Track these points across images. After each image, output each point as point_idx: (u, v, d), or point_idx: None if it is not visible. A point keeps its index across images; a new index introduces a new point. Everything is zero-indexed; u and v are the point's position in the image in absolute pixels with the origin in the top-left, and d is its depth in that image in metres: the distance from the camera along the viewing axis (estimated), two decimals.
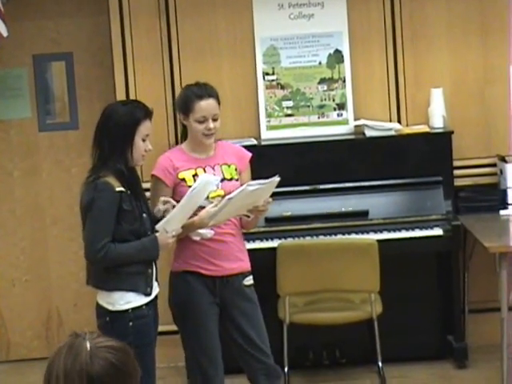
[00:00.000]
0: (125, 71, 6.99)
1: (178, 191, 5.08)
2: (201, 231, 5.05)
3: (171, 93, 6.98)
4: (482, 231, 6.39)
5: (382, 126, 6.88)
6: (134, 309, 4.77)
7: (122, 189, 4.65)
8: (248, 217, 5.18)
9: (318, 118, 7.02)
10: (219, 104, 5.16)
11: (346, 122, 7.01)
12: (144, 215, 4.81)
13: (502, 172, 6.84)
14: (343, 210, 6.70)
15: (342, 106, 7.03)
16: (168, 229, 4.78)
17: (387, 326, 6.42)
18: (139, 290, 4.78)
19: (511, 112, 7.02)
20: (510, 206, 6.71)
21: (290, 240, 6.58)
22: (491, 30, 7.09)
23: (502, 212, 6.68)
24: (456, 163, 6.80)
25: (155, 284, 4.84)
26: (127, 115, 4.74)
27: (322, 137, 6.99)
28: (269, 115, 7.04)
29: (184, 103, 5.11)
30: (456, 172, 6.85)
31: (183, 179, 5.13)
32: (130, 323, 4.73)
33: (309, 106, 7.04)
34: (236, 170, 5.23)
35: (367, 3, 6.97)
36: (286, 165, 6.80)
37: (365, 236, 6.55)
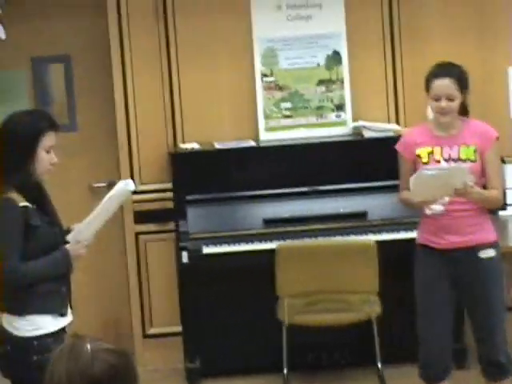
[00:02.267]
0: (123, 73, 6.96)
1: (415, 167, 5.26)
2: (433, 206, 5.24)
3: (169, 94, 6.95)
4: None
5: (380, 128, 6.88)
6: (40, 337, 4.53)
7: (26, 204, 4.51)
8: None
9: (317, 119, 6.99)
10: (460, 85, 5.18)
11: (344, 124, 7.01)
12: (55, 229, 4.68)
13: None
14: (342, 211, 6.68)
15: (340, 108, 7.02)
16: (80, 239, 4.66)
17: (386, 328, 6.42)
18: (52, 311, 4.61)
19: (510, 113, 7.07)
20: (509, 207, 6.73)
21: (288, 241, 6.52)
22: (489, 31, 7.09)
23: (501, 213, 6.67)
24: None
25: (69, 309, 4.68)
26: (29, 126, 4.61)
27: (320, 138, 6.97)
28: (267, 117, 7.00)
29: (425, 81, 5.23)
30: None
31: (419, 155, 5.27)
32: (34, 357, 4.50)
33: (307, 108, 7.02)
34: (475, 151, 5.23)
35: (365, 5, 6.96)
36: (284, 166, 6.80)
37: (363, 237, 6.52)
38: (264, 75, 6.95)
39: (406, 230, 6.57)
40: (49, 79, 7.40)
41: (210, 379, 6.87)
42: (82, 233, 4.57)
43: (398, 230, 6.60)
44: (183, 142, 7.05)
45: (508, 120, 7.08)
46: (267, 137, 7.02)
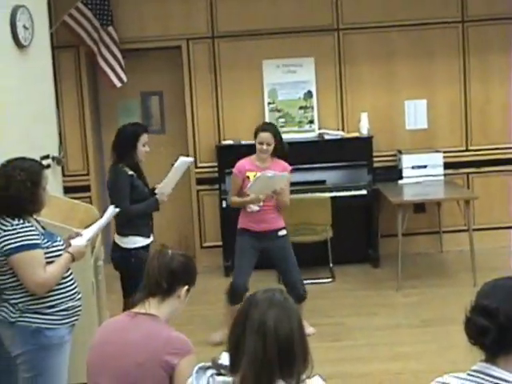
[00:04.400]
0: (191, 101, 9.17)
1: (243, 184, 6.29)
2: (251, 206, 6.29)
3: (216, 114, 9.09)
4: (388, 192, 8.40)
5: (333, 133, 9.01)
6: (136, 249, 5.57)
7: (132, 173, 5.60)
8: (272, 197, 6.28)
9: (298, 128, 9.14)
10: (273, 136, 6.26)
11: (314, 131, 9.13)
12: (145, 188, 5.74)
13: (399, 159, 9.03)
14: (313, 179, 8.57)
15: (311, 122, 9.13)
16: (163, 191, 5.73)
17: (335, 245, 8.35)
18: (143, 235, 5.67)
19: (405, 116, 9.09)
20: (403, 179, 8.88)
21: None
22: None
23: (399, 182, 8.90)
24: (374, 153, 8.93)
25: (151, 234, 5.71)
26: (132, 130, 5.72)
27: (300, 139, 8.93)
28: None
29: (255, 131, 6.34)
30: (375, 159, 8.94)
31: (248, 177, 6.30)
32: (132, 259, 5.55)
33: (293, 122, 9.13)
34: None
35: (326, 65, 9.12)
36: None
37: (325, 194, 8.34)
38: (269, 103, 9.10)
39: (347, 190, 8.53)
40: (150, 104, 9.43)
41: None
42: (164, 188, 5.73)
43: (342, 190, 8.52)
44: (224, 140, 9.13)
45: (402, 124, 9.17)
46: None
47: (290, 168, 6.36)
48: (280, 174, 6.09)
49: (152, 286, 3.18)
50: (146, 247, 5.66)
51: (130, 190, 5.57)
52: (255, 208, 6.14)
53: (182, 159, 5.79)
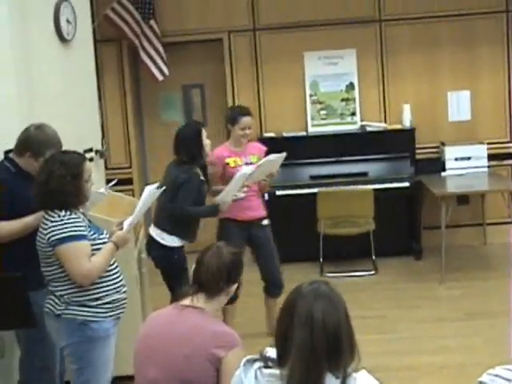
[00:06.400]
0: (232, 93, 9.17)
1: (224, 172, 6.23)
2: (237, 193, 5.98)
3: (258, 104, 9.07)
4: (431, 184, 8.30)
5: (375, 125, 8.98)
6: (176, 247, 5.63)
7: (202, 178, 5.72)
8: (265, 180, 6.24)
9: (340, 120, 9.12)
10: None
11: (355, 123, 9.10)
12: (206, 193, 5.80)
13: (442, 151, 8.98)
14: (355, 171, 8.60)
15: (353, 114, 9.07)
16: (224, 200, 5.79)
17: (378, 237, 8.29)
18: (184, 238, 5.73)
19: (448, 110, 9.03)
20: (447, 170, 8.77)
21: (324, 188, 8.20)
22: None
23: (442, 173, 8.79)
24: (417, 145, 8.89)
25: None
26: (195, 127, 5.83)
27: (342, 131, 8.96)
28: (312, 118, 9.03)
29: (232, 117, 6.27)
30: (417, 151, 8.90)
31: (227, 163, 6.27)
32: (175, 256, 5.62)
33: (335, 114, 9.08)
34: (259, 158, 6.19)
35: (367, 57, 9.10)
36: (322, 146, 8.67)
37: (367, 186, 8.29)
38: (311, 95, 9.09)
39: (390, 182, 8.48)
40: (191, 97, 9.48)
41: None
42: (224, 197, 5.78)
43: (385, 182, 8.46)
44: (266, 132, 9.14)
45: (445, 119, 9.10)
46: (312, 130, 8.96)
47: (264, 147, 6.45)
48: (278, 155, 6.03)
49: (207, 283, 3.24)
50: (183, 247, 5.75)
51: (196, 194, 5.66)
52: (241, 195, 6.01)
53: (245, 169, 5.86)
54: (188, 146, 5.66)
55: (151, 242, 5.68)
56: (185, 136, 5.73)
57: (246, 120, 6.27)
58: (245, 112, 6.32)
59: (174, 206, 5.53)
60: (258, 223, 6.31)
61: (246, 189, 6.05)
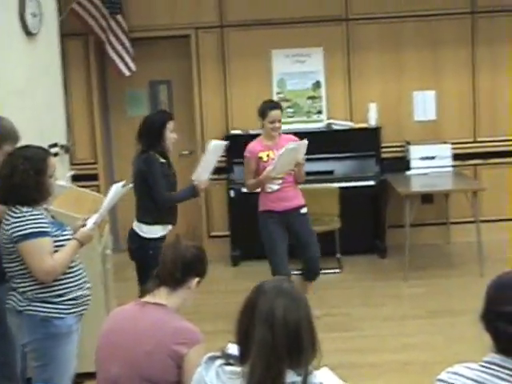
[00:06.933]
0: (199, 90, 9.17)
1: (258, 166, 6.32)
2: (271, 185, 6.21)
3: (224, 102, 9.07)
4: (396, 183, 8.37)
5: (342, 124, 9.01)
6: (154, 239, 5.55)
7: (163, 160, 5.64)
8: (293, 171, 6.29)
9: (306, 118, 9.13)
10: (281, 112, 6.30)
11: (322, 121, 9.12)
12: (173, 175, 5.76)
13: (407, 150, 9.05)
14: (321, 169, 8.49)
15: (320, 112, 9.12)
16: (200, 179, 5.73)
17: (343, 235, 8.33)
18: (168, 222, 5.67)
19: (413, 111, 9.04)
20: (411, 170, 8.85)
21: None
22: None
23: (407, 173, 8.87)
24: (382, 144, 8.95)
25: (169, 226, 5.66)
26: (160, 118, 5.73)
27: (308, 129, 8.87)
28: None
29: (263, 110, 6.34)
30: (383, 150, 8.95)
31: (260, 157, 6.36)
32: (150, 251, 5.48)
33: (301, 112, 9.10)
34: None
35: (334, 55, 9.13)
36: None
37: (332, 184, 8.25)
38: (278, 93, 9.12)
39: (355, 181, 8.48)
40: (158, 93, 9.49)
41: (246, 262, 8.67)
42: (199, 176, 5.73)
43: (351, 181, 8.46)
44: (232, 129, 9.11)
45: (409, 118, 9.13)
46: None
47: (296, 138, 6.43)
48: (298, 142, 6.14)
49: (165, 276, 3.22)
50: (164, 238, 5.68)
51: (164, 178, 5.64)
52: (275, 187, 6.13)
53: (215, 143, 5.78)
54: (149, 133, 5.63)
55: (132, 235, 5.69)
56: (149, 123, 5.70)
57: (274, 113, 6.33)
58: (273, 105, 6.39)
59: (155, 199, 5.54)
60: (294, 213, 6.38)
61: (280, 181, 6.13)
